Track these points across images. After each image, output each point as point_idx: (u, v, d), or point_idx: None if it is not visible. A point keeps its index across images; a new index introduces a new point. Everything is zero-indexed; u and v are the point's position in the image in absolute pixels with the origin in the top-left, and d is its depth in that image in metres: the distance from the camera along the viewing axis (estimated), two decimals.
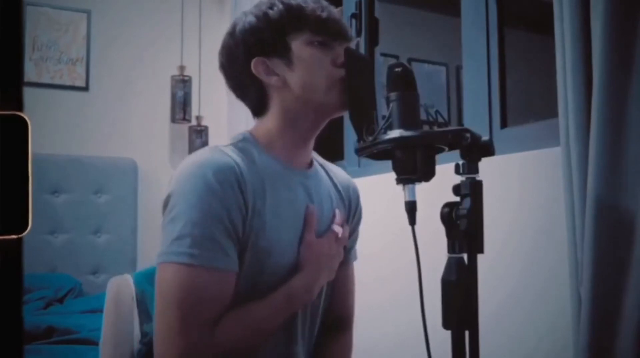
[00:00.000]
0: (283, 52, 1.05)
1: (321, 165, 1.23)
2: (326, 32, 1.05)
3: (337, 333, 1.24)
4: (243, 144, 1.08)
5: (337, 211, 1.16)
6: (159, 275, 0.97)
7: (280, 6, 1.06)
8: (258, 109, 1.11)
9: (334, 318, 1.23)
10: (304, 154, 1.13)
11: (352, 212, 1.25)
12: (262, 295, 1.02)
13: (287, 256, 1.06)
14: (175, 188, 0.99)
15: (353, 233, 1.26)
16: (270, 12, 1.06)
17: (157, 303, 0.98)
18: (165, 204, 1.00)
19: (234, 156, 1.02)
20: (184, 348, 0.93)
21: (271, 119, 1.09)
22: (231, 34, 1.10)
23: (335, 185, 1.22)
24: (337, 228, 1.13)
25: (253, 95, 1.10)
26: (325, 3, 1.08)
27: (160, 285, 0.97)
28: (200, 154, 1.01)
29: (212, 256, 0.95)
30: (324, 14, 1.05)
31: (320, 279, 1.09)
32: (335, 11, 1.08)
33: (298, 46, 1.05)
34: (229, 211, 0.96)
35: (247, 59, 1.06)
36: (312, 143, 1.14)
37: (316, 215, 1.10)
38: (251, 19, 1.07)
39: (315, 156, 1.23)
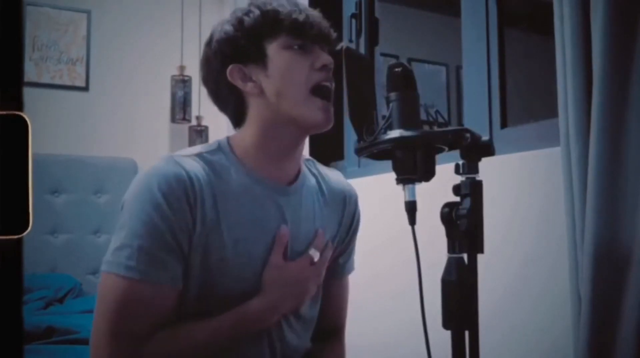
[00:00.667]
0: (259, 58, 1.03)
1: (316, 176, 1.17)
2: (303, 35, 1.02)
3: (329, 344, 1.22)
4: (213, 153, 1.04)
5: (319, 232, 1.10)
6: (100, 282, 0.97)
7: (256, 12, 1.03)
8: (237, 119, 1.08)
9: (325, 330, 1.20)
10: (283, 169, 1.08)
11: (348, 225, 1.20)
12: (210, 315, 0.98)
13: (245, 276, 1.02)
14: (126, 196, 0.99)
15: (349, 246, 1.22)
16: (246, 18, 1.03)
17: (95, 310, 0.97)
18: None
19: (192, 167, 0.99)
20: None
21: (248, 129, 1.06)
22: (208, 44, 1.08)
23: (325, 200, 1.16)
24: (313, 252, 1.07)
25: (232, 104, 1.07)
26: (303, 6, 1.05)
27: (98, 292, 0.97)
28: (155, 165, 0.99)
29: (149, 270, 0.93)
30: (301, 17, 1.02)
31: (283, 304, 1.03)
32: (314, 14, 1.05)
33: (274, 50, 1.02)
34: (171, 225, 0.94)
35: (224, 68, 1.04)
36: (294, 158, 1.09)
37: (288, 236, 1.04)
38: (227, 27, 1.05)
39: (312, 165, 1.19)
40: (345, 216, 1.20)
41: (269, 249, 1.03)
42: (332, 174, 1.22)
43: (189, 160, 1.00)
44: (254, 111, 1.05)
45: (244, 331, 1.01)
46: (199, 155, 1.03)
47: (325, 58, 1.03)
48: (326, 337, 1.21)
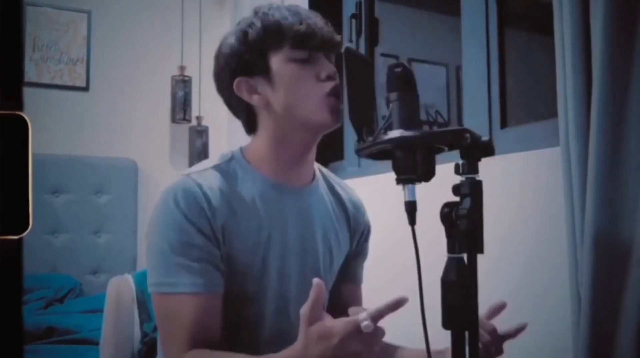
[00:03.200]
0: (264, 71, 1.04)
1: (329, 181, 1.20)
2: (306, 45, 1.03)
3: None
4: (228, 164, 1.07)
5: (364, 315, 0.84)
6: (156, 304, 1.03)
7: (258, 24, 1.04)
8: (249, 128, 1.11)
9: None
10: (297, 173, 1.11)
11: (359, 233, 1.22)
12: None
13: (255, 277, 1.04)
14: (150, 217, 1.04)
15: (360, 254, 1.23)
16: (250, 31, 1.05)
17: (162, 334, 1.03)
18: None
19: (206, 181, 1.02)
20: None
21: (260, 139, 1.08)
22: (217, 57, 1.11)
23: (341, 204, 1.19)
24: (365, 321, 0.82)
25: (243, 114, 1.10)
26: (305, 15, 1.05)
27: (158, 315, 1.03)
28: (170, 185, 1.03)
29: (181, 282, 0.97)
30: (303, 28, 1.02)
31: None
32: (316, 21, 1.05)
33: (278, 63, 1.03)
34: (194, 236, 0.98)
35: (232, 81, 1.06)
36: (307, 162, 1.11)
37: (323, 287, 0.87)
38: (231, 40, 1.07)
39: (326, 173, 1.21)
40: (361, 223, 1.22)
41: (285, 253, 1.06)
42: (343, 183, 1.25)
43: (203, 174, 1.04)
44: (264, 120, 1.07)
45: None
46: (214, 167, 1.06)
47: (329, 68, 1.04)
48: None
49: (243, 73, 1.05)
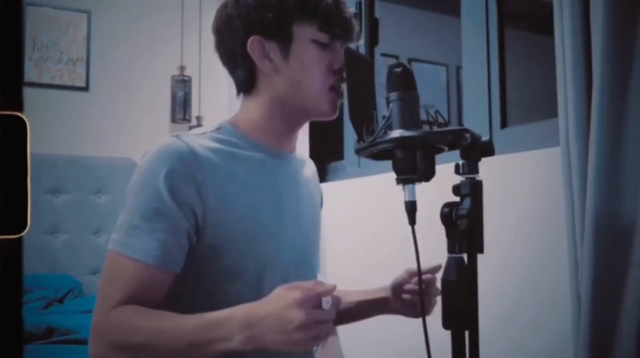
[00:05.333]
0: (283, 39, 1.01)
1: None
2: (332, 29, 1.02)
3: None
4: (218, 131, 1.04)
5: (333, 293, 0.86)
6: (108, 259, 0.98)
7: None
8: (243, 87, 1.07)
9: None
10: (289, 140, 1.11)
11: (321, 198, 1.25)
12: (204, 298, 0.96)
13: (255, 246, 0.99)
14: (133, 175, 0.99)
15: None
16: None
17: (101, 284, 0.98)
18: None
19: (198, 144, 0.97)
20: (93, 327, 0.92)
21: (256, 105, 1.05)
22: (236, 3, 1.04)
23: (309, 168, 1.22)
24: (325, 301, 0.84)
25: (241, 72, 1.05)
26: (341, 1, 1.04)
27: (107, 269, 0.98)
28: (160, 144, 0.98)
29: (136, 247, 0.93)
30: (336, 13, 1.02)
31: (266, 335, 0.82)
32: (345, 9, 1.05)
33: (300, 38, 1.01)
34: (176, 207, 0.93)
35: (245, 34, 1.02)
36: (295, 136, 1.12)
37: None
38: None
39: None
40: (319, 190, 1.25)
41: (282, 215, 1.05)
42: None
43: (195, 138, 1.00)
44: (264, 87, 1.05)
45: (204, 344, 0.86)
46: (205, 134, 1.03)
47: (342, 61, 1.03)
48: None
49: (259, 31, 1.01)
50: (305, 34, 1.02)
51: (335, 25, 1.02)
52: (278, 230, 1.04)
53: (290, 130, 1.10)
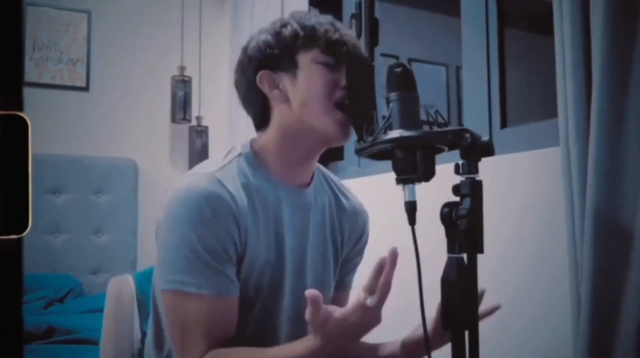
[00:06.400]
0: (289, 67, 1.07)
1: (330, 183, 1.22)
2: (334, 53, 1.06)
3: None
4: (239, 160, 1.09)
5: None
6: (166, 301, 1.03)
7: (294, 25, 1.07)
8: (260, 122, 1.12)
9: None
10: (299, 173, 1.12)
11: (354, 240, 1.24)
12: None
13: (267, 273, 1.07)
14: (170, 212, 1.01)
15: (351, 261, 1.25)
16: (284, 30, 1.07)
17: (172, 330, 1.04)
18: (160, 226, 1.02)
19: (230, 180, 1.04)
20: None
21: (270, 134, 1.10)
22: (244, 49, 1.12)
23: (339, 208, 1.20)
24: (364, 297, 0.88)
25: (257, 108, 1.11)
26: (339, 25, 1.10)
27: (171, 313, 1.03)
28: (193, 182, 1.02)
29: (207, 284, 0.98)
30: (335, 36, 1.07)
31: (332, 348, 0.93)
32: (348, 33, 1.09)
33: (305, 62, 1.06)
34: (222, 238, 0.99)
35: (255, 73, 1.08)
36: (309, 166, 1.13)
37: (321, 298, 0.90)
38: (265, 36, 1.09)
39: (328, 175, 1.23)
40: (358, 228, 1.24)
41: (292, 247, 1.10)
42: (345, 188, 1.26)
43: (223, 171, 1.05)
44: (277, 116, 1.09)
45: None
46: (230, 164, 1.07)
47: None
48: None
49: (267, 66, 1.08)
50: (309, 58, 1.06)
51: (336, 48, 1.06)
52: (279, 266, 1.09)
53: (303, 157, 1.11)
